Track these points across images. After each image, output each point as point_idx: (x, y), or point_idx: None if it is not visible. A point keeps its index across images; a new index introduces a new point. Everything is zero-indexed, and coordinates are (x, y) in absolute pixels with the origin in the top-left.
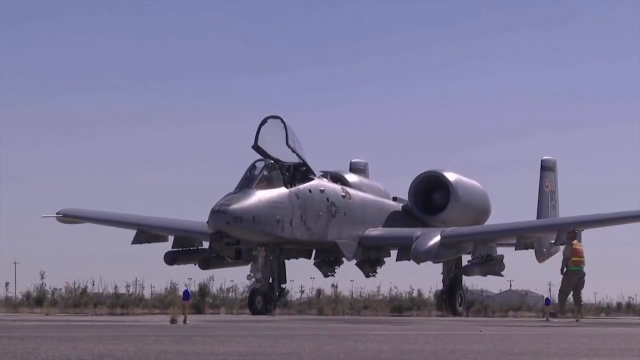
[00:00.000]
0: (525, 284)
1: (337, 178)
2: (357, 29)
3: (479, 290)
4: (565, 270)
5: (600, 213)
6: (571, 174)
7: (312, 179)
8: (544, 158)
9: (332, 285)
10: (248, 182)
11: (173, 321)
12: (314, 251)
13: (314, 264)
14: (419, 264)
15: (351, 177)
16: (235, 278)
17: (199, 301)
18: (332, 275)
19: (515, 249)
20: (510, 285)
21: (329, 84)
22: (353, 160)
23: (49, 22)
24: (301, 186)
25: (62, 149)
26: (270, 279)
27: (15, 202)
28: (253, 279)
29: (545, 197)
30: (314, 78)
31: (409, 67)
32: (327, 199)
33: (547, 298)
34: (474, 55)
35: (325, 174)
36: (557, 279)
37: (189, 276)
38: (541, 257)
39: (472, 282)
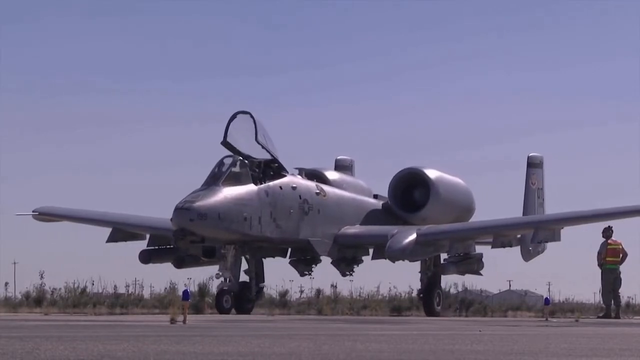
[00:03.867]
0: (524, 284)
1: (316, 175)
2: (342, 30)
3: (478, 291)
4: (601, 270)
5: (578, 210)
6: (563, 172)
7: (285, 176)
8: (530, 155)
9: (332, 286)
10: (215, 179)
11: (172, 321)
12: (289, 250)
13: (290, 262)
14: (393, 262)
15: (332, 175)
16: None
17: (198, 301)
18: (309, 274)
19: (492, 247)
20: (510, 285)
21: (319, 84)
22: (338, 158)
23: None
24: (271, 183)
25: (43, 148)
26: (248, 278)
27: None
28: (221, 278)
29: (532, 195)
30: (306, 79)
31: (401, 67)
32: (300, 196)
33: (547, 298)
34: (461, 56)
35: (300, 171)
36: (557, 279)
37: (188, 276)
38: (527, 255)
39: (472, 282)
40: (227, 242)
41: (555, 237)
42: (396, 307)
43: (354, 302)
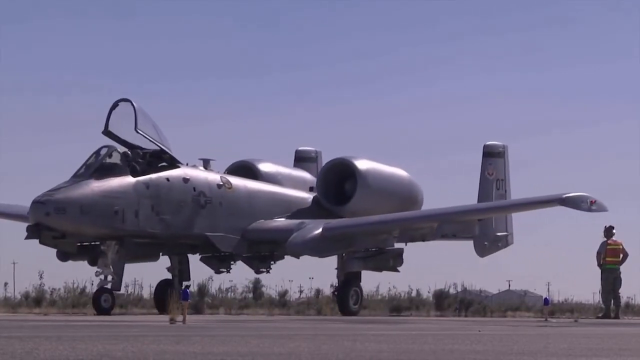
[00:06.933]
0: (524, 284)
1: (245, 167)
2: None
3: (477, 291)
4: (601, 270)
5: (491, 202)
6: (563, 172)
7: (178, 167)
8: (486, 143)
9: (331, 286)
10: (85, 170)
11: (172, 321)
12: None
13: (201, 259)
14: (297, 257)
15: (265, 167)
16: (233, 278)
17: (197, 301)
18: (267, 271)
19: (397, 242)
20: (509, 285)
21: (317, 85)
22: (299, 149)
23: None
24: (155, 175)
25: (44, 149)
26: (171, 276)
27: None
28: (101, 276)
29: (488, 186)
30: (305, 78)
31: (394, 68)
32: (194, 189)
33: (546, 298)
34: (445, 57)
35: (205, 162)
36: (557, 279)
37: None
38: (482, 250)
39: (471, 282)
40: (96, 238)
41: (469, 231)
42: (395, 307)
43: None
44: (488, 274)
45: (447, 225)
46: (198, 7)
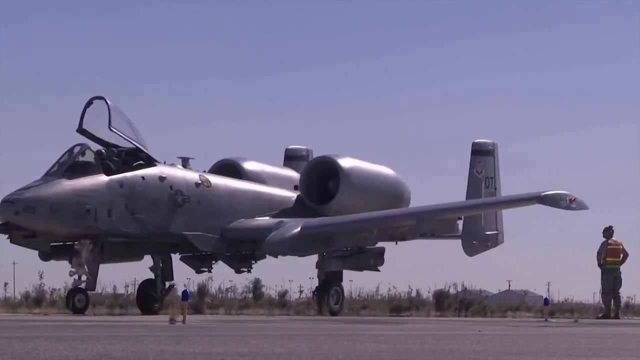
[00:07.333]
0: (524, 284)
1: (230, 166)
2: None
3: (477, 291)
4: (601, 270)
5: (469, 200)
6: (561, 172)
7: (154, 166)
8: (475, 141)
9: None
10: (56, 169)
11: (172, 321)
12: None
13: (180, 259)
14: (275, 257)
15: (250, 165)
16: (234, 278)
17: (197, 301)
18: (248, 271)
19: (378, 241)
20: (509, 285)
21: (318, 84)
22: (289, 147)
23: None
24: (130, 173)
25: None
26: (154, 275)
27: None
28: (75, 276)
29: (477, 184)
30: (303, 79)
31: (390, 68)
32: (171, 187)
33: (546, 298)
34: (455, 56)
35: (184, 161)
36: (556, 279)
37: (187, 276)
38: (470, 250)
39: (471, 282)
40: (68, 237)
41: (450, 230)
42: (395, 307)
43: (353, 302)
44: (488, 274)
45: (426, 224)
46: (198, 7)
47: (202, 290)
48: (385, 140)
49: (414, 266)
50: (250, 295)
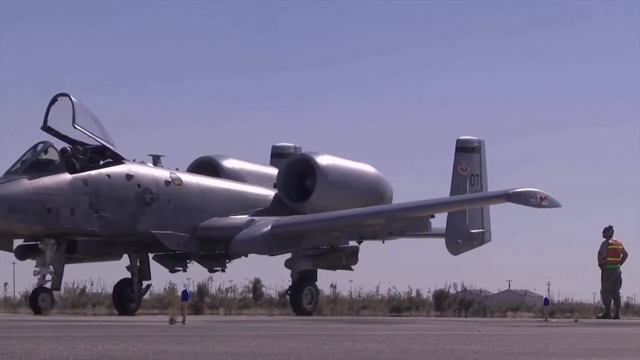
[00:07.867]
0: (524, 284)
1: (208, 164)
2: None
3: (477, 291)
4: (601, 269)
5: (437, 198)
6: (560, 172)
7: (122, 164)
8: (460, 138)
9: (331, 286)
10: (18, 167)
11: (172, 321)
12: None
13: (154, 258)
14: (245, 255)
15: (229, 163)
16: (234, 278)
17: (197, 301)
18: (222, 270)
19: (349, 240)
20: (509, 285)
21: (318, 84)
22: (276, 145)
23: None
24: (95, 171)
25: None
26: (131, 274)
27: None
28: (39, 275)
29: (462, 181)
30: (303, 78)
31: (387, 68)
32: (139, 185)
33: (546, 298)
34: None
35: (155, 159)
36: (556, 279)
37: (187, 276)
38: (454, 248)
39: (471, 282)
40: (30, 236)
41: (421, 228)
42: (395, 307)
43: (353, 302)
44: (488, 274)
45: (395, 222)
46: (198, 7)
47: (202, 290)
48: (377, 138)
49: (414, 266)
50: (250, 295)
